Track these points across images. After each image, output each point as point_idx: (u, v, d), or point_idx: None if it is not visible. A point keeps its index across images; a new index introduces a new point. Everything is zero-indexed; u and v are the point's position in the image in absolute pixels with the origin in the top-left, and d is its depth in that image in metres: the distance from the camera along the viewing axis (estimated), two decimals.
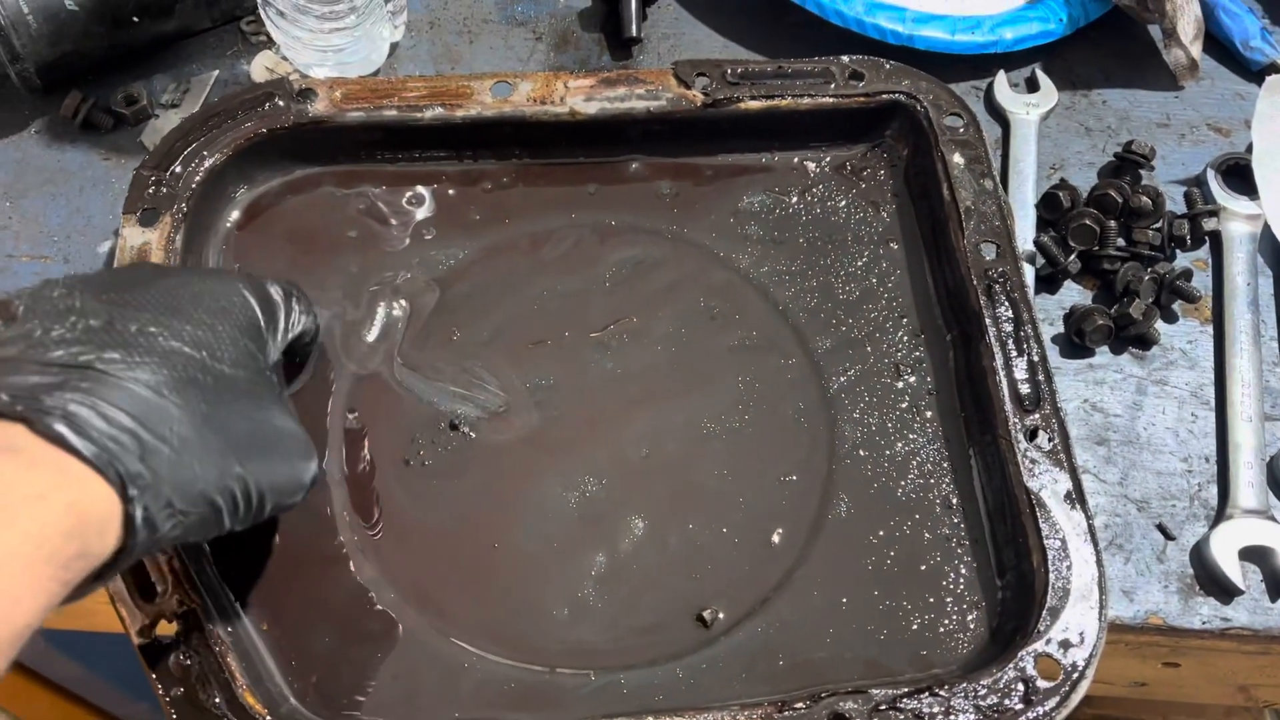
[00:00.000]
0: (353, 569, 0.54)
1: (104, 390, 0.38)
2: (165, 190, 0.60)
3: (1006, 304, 0.58)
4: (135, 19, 0.66)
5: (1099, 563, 0.51)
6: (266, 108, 0.63)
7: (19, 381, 0.38)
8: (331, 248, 0.63)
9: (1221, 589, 0.55)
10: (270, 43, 0.69)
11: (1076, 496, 0.53)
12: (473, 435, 0.57)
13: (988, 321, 0.57)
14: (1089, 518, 0.52)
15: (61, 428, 0.36)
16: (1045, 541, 0.52)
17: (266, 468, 0.44)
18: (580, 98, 0.64)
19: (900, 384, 0.60)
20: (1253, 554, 0.55)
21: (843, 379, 0.60)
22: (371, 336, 0.60)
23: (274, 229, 0.63)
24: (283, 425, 0.46)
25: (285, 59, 0.69)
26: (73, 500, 0.36)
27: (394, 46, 0.71)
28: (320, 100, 0.63)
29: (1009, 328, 0.57)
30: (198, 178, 0.60)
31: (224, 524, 0.43)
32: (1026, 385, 0.56)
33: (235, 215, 0.63)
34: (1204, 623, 0.54)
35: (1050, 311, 0.63)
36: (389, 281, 0.62)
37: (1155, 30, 0.72)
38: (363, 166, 0.65)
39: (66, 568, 0.36)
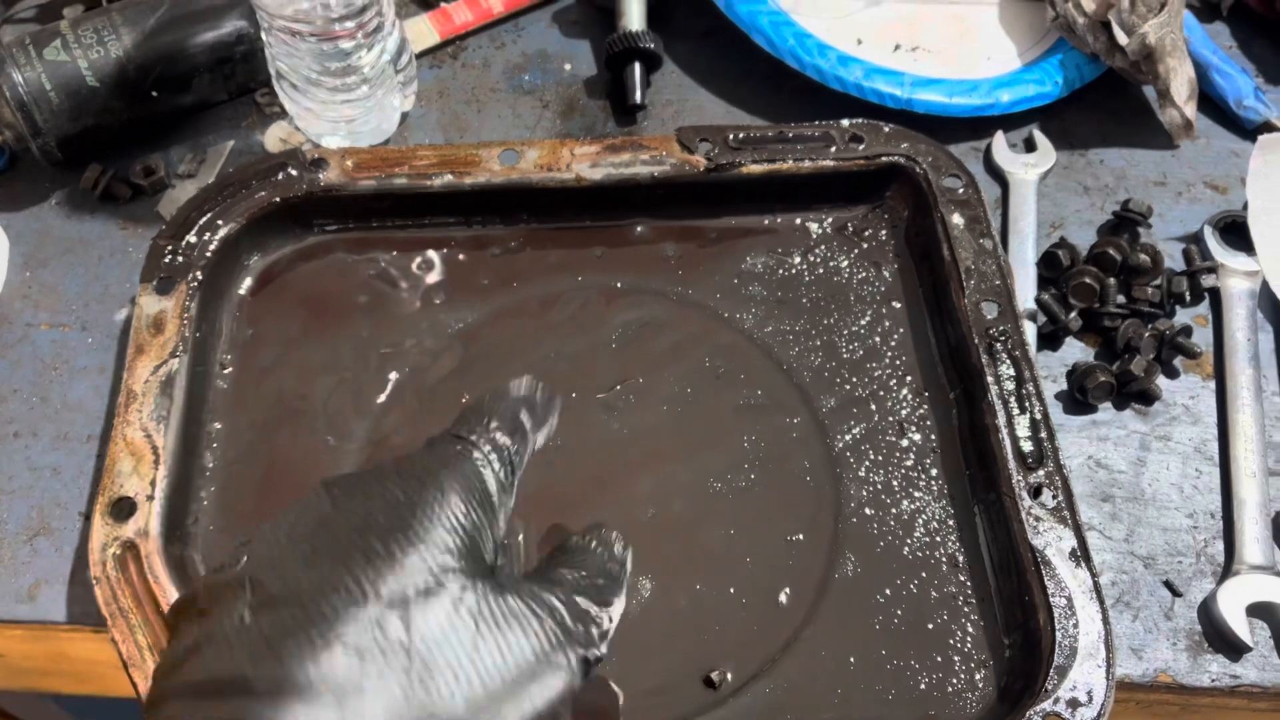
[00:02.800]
0: None
1: (266, 707, 0.31)
2: (180, 259, 0.61)
3: (1008, 362, 0.59)
4: (154, 93, 0.68)
5: (1105, 620, 0.51)
6: (279, 177, 0.64)
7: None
8: (343, 313, 0.64)
9: (1230, 646, 0.55)
10: (284, 114, 0.71)
11: (1081, 554, 0.53)
12: None
13: (989, 379, 0.58)
14: (1094, 575, 0.52)
15: None
16: (1051, 599, 0.52)
17: (512, 710, 0.35)
18: (586, 164, 0.66)
19: (905, 442, 0.60)
20: (1260, 610, 0.55)
21: (847, 437, 0.61)
22: (380, 400, 0.61)
23: (287, 295, 0.65)
24: (520, 635, 0.36)
25: (298, 129, 0.71)
26: None
27: (404, 116, 0.73)
28: (332, 169, 0.65)
29: (1011, 385, 0.58)
30: (212, 247, 0.62)
31: None
32: (1029, 443, 0.56)
33: (249, 282, 0.64)
34: (1213, 680, 0.54)
35: (1053, 369, 0.64)
36: (399, 345, 0.63)
37: (1150, 91, 0.74)
38: (374, 233, 0.67)
39: None
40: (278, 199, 0.64)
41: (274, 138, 0.71)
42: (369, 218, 0.66)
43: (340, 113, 0.68)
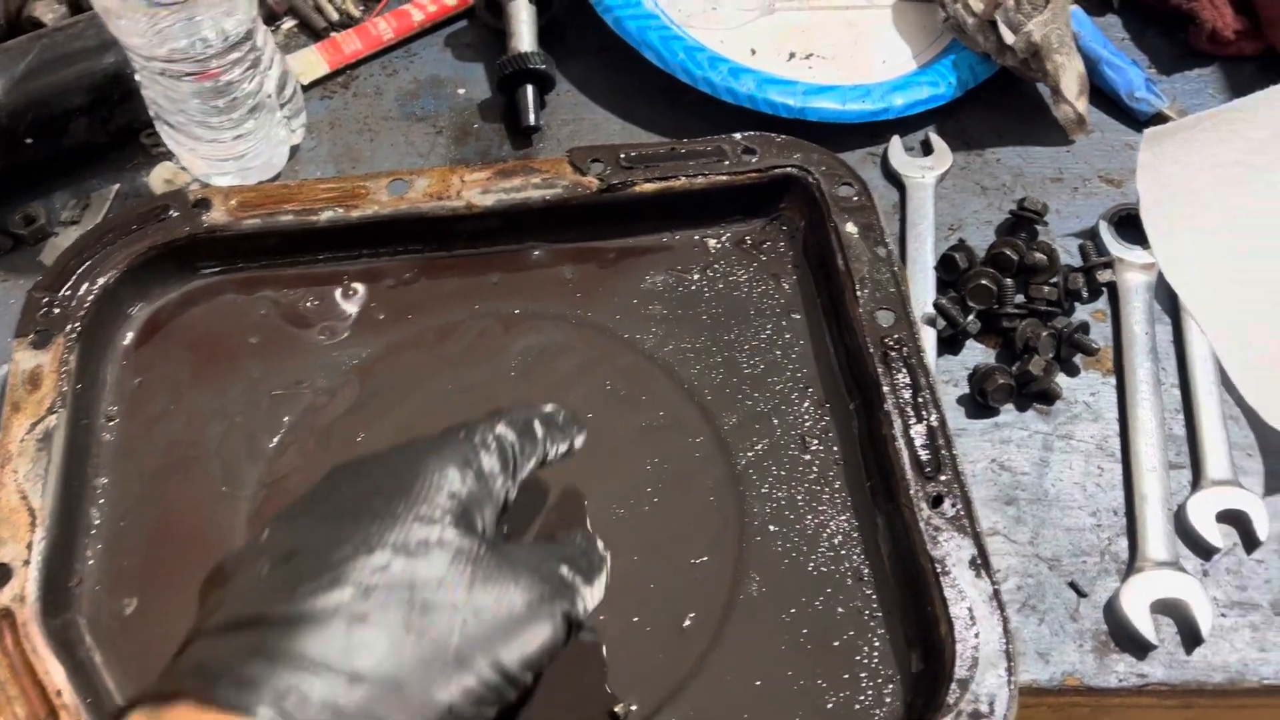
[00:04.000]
0: None
1: (280, 647, 0.36)
2: (58, 311, 0.59)
3: (904, 370, 0.58)
4: (28, 140, 0.66)
5: (1006, 629, 0.51)
6: (161, 221, 0.63)
7: (197, 656, 0.37)
8: (234, 355, 0.63)
9: (1136, 645, 0.55)
10: (170, 154, 0.69)
11: (981, 562, 0.53)
12: None
13: (885, 389, 0.58)
14: (994, 583, 0.52)
15: (231, 698, 0.34)
16: (951, 610, 0.51)
17: (497, 645, 0.40)
18: (476, 190, 0.65)
19: (808, 455, 0.60)
20: (1165, 606, 0.55)
21: (750, 454, 0.60)
22: (273, 443, 0.60)
23: (174, 341, 0.63)
24: (513, 586, 0.41)
25: (184, 169, 0.69)
26: None
27: (295, 149, 0.72)
28: (216, 209, 0.64)
29: (907, 394, 0.58)
30: (91, 297, 0.60)
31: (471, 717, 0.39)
32: (926, 451, 0.56)
33: (133, 332, 0.63)
34: (1120, 680, 0.54)
35: (954, 372, 0.64)
36: (293, 385, 0.62)
37: (1044, 87, 0.74)
38: (263, 272, 0.65)
39: None
40: (159, 244, 0.62)
41: (159, 179, 0.69)
42: (257, 257, 0.65)
43: (224, 150, 0.67)
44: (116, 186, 0.70)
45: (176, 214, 0.63)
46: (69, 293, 0.60)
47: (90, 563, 0.56)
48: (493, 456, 0.45)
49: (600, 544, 0.48)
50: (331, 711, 0.35)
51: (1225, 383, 0.62)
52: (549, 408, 0.50)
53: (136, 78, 0.64)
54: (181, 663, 0.37)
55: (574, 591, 0.44)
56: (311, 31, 0.78)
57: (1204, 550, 0.58)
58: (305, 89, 0.74)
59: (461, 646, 0.39)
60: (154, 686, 0.37)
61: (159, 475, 0.59)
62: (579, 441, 0.52)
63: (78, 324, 0.59)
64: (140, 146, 0.71)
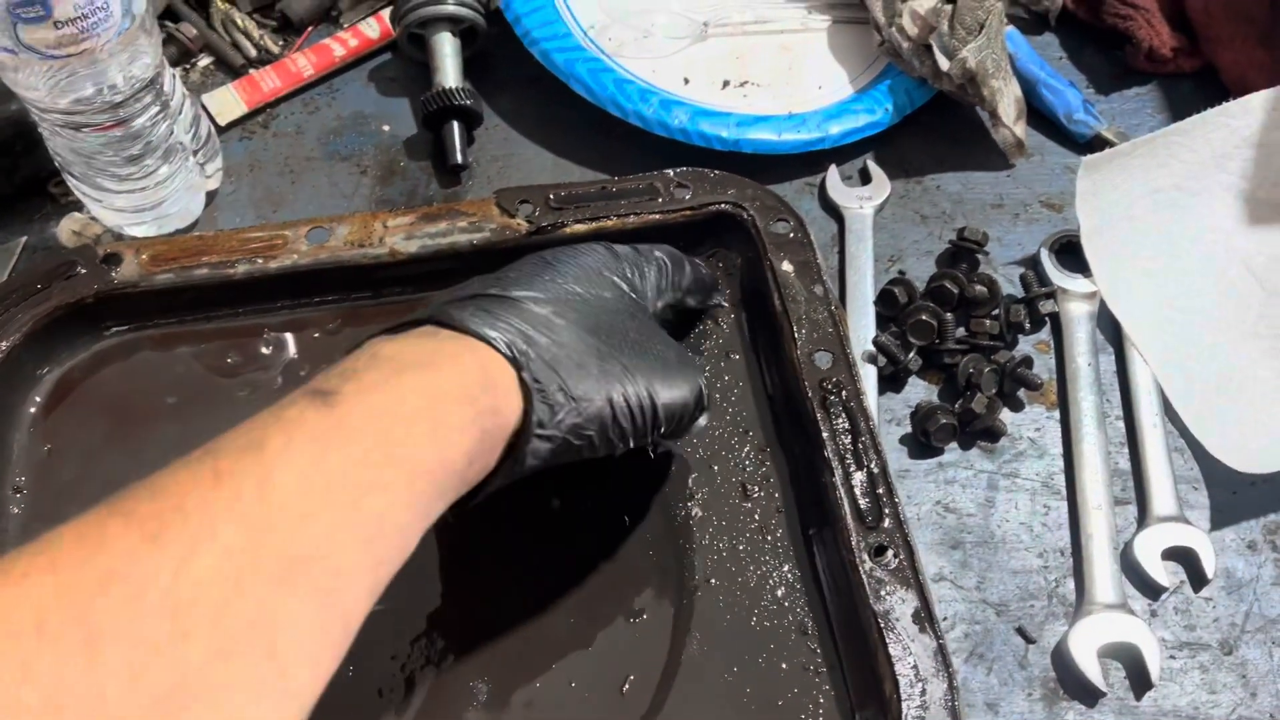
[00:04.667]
0: None
1: (497, 308, 0.47)
2: None
3: (843, 415, 0.57)
4: None
5: (952, 685, 0.49)
6: (68, 278, 0.60)
7: (431, 309, 0.47)
8: (151, 417, 0.60)
9: (1085, 691, 0.53)
10: (79, 204, 0.66)
11: (926, 616, 0.51)
12: None
13: (824, 434, 0.56)
14: (939, 638, 0.50)
15: (465, 321, 0.45)
16: (896, 668, 0.50)
17: (650, 376, 0.49)
18: (400, 236, 0.63)
19: (749, 504, 0.58)
20: (1114, 650, 0.54)
21: (690, 504, 0.58)
22: None
23: (86, 405, 0.60)
24: (665, 346, 0.52)
25: (94, 220, 0.66)
26: (482, 362, 0.44)
27: (212, 195, 0.69)
28: (127, 264, 0.61)
29: (846, 440, 0.56)
30: None
31: (622, 427, 0.48)
32: (867, 499, 0.54)
33: (41, 396, 0.60)
34: None
35: (896, 411, 0.62)
36: None
37: (983, 111, 0.72)
38: (179, 328, 0.63)
39: (484, 416, 0.43)
40: (67, 303, 0.60)
41: (68, 231, 0.66)
42: (172, 313, 0.62)
43: (136, 200, 0.64)
44: (24, 239, 0.67)
45: (84, 270, 0.60)
46: None
47: None
48: (653, 269, 0.56)
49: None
50: (545, 359, 0.45)
51: (1169, 413, 0.61)
52: (703, 267, 0.61)
53: (40, 129, 0.61)
54: (416, 314, 0.46)
55: (702, 377, 0.55)
56: (229, 69, 0.75)
57: (1151, 590, 0.57)
58: (222, 130, 0.72)
59: (629, 365, 0.49)
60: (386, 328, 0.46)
61: None
62: (719, 298, 0.63)
63: None
64: (49, 196, 0.68)
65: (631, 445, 0.50)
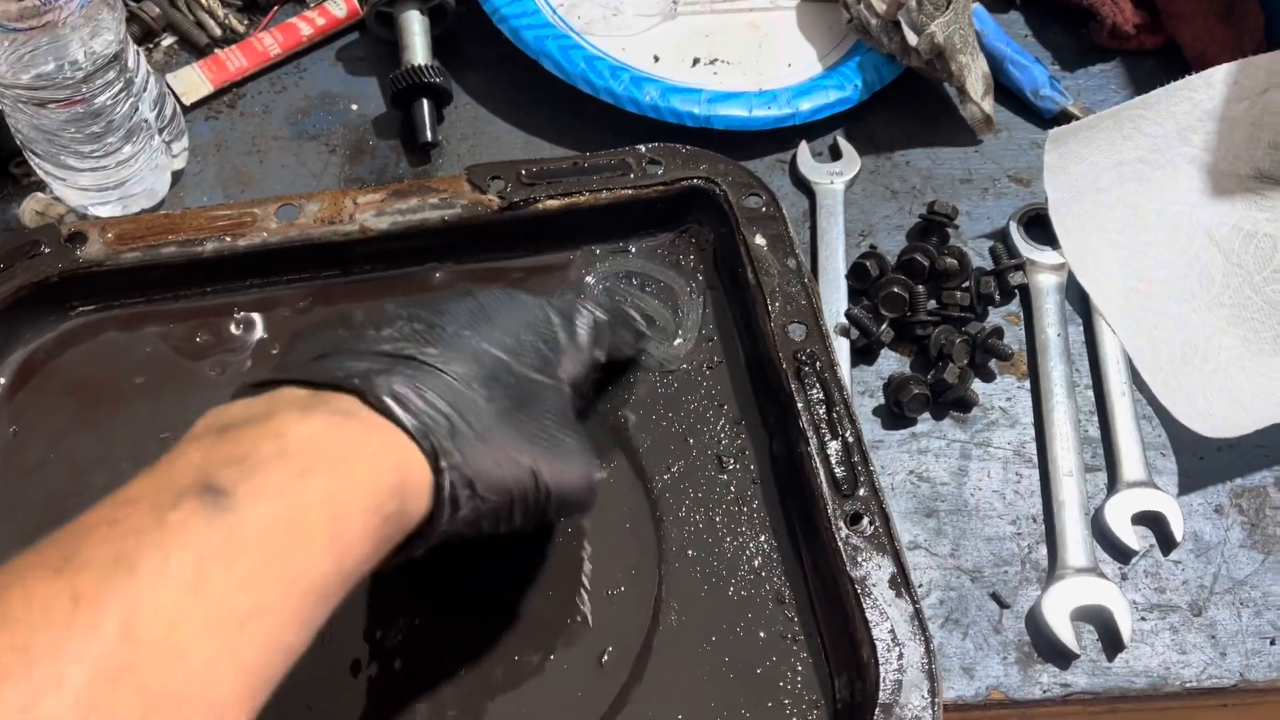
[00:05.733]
0: None
1: (423, 377, 0.43)
2: None
3: (818, 385, 0.57)
4: None
5: (929, 649, 0.50)
6: (32, 258, 0.59)
7: (354, 365, 0.43)
8: (118, 398, 0.59)
9: (1058, 654, 0.54)
10: (43, 184, 0.65)
11: (902, 581, 0.52)
12: None
13: (799, 405, 0.56)
14: (915, 602, 0.51)
15: (389, 400, 0.41)
16: (874, 632, 0.50)
17: (554, 466, 0.47)
18: (370, 213, 0.62)
19: (725, 476, 0.58)
20: (1086, 614, 0.55)
21: (666, 477, 0.58)
22: None
23: (52, 386, 0.59)
24: (574, 432, 0.49)
25: (58, 200, 0.65)
26: (398, 462, 0.40)
27: (178, 175, 0.68)
28: (92, 243, 0.60)
29: (821, 410, 0.56)
30: None
31: (514, 518, 0.46)
32: (842, 468, 0.55)
33: (5, 378, 0.59)
34: (1045, 691, 0.53)
35: (870, 383, 0.63)
36: (183, 427, 0.58)
37: (951, 88, 0.73)
38: (147, 307, 0.62)
39: (388, 523, 0.39)
40: (31, 282, 0.59)
41: (30, 211, 0.65)
42: (139, 292, 0.61)
43: (100, 179, 0.63)
44: None
45: (48, 250, 0.59)
46: None
47: None
48: (589, 318, 0.53)
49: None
50: (466, 455, 0.42)
51: (1137, 382, 0.62)
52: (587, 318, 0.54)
53: (0, 106, 0.60)
54: (322, 367, 0.43)
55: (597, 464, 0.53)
56: (193, 48, 0.74)
57: (1122, 554, 0.57)
58: (188, 110, 0.71)
59: (540, 454, 0.46)
60: (306, 370, 0.42)
61: (39, 531, 0.55)
62: (681, 345, 0.61)
63: None
64: (9, 176, 0.67)
65: (515, 528, 0.47)
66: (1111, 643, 0.55)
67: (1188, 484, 0.60)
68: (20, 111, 0.60)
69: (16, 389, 0.59)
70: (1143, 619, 0.55)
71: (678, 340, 0.61)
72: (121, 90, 0.61)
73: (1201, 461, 0.61)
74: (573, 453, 0.49)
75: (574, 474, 0.48)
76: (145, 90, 0.63)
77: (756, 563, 0.56)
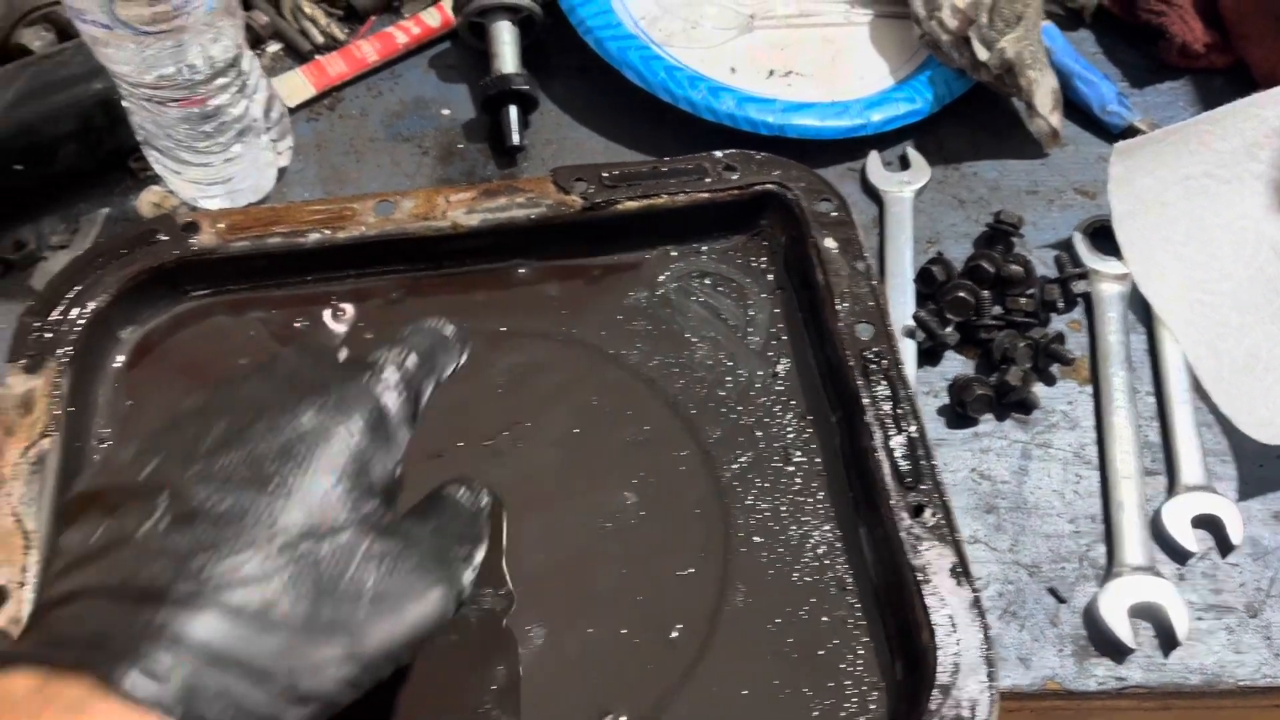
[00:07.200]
0: None
1: (187, 623, 0.34)
2: (49, 335, 0.60)
3: (884, 382, 0.59)
4: (17, 167, 0.67)
5: (986, 635, 0.52)
6: (150, 244, 0.64)
7: (101, 622, 0.34)
8: (224, 376, 0.63)
9: (1114, 649, 0.56)
10: (158, 178, 0.70)
11: (962, 570, 0.54)
12: None
13: (865, 401, 0.59)
14: (975, 590, 0.53)
15: (137, 682, 0.33)
16: (933, 617, 0.52)
17: (381, 630, 0.39)
18: (461, 211, 0.66)
19: (791, 468, 0.61)
20: (1142, 611, 0.56)
21: (735, 467, 0.61)
22: None
23: (165, 364, 0.64)
24: (396, 572, 0.40)
25: (172, 193, 0.70)
26: None
27: (282, 172, 0.73)
28: (204, 232, 0.64)
29: (887, 406, 0.59)
30: (82, 321, 0.61)
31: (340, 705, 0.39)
32: (906, 462, 0.57)
33: (124, 355, 0.63)
34: (1100, 684, 0.55)
35: (934, 383, 0.65)
36: None
37: (1019, 102, 0.75)
38: (252, 294, 0.66)
39: None
40: (149, 267, 0.63)
41: (147, 203, 0.70)
42: (245, 279, 0.66)
43: (212, 174, 0.68)
44: (105, 211, 0.71)
45: (165, 238, 0.64)
46: (60, 317, 0.61)
47: None
48: (397, 405, 0.45)
49: (485, 496, 0.48)
50: (235, 711, 0.34)
51: (1199, 390, 0.64)
52: (443, 326, 0.50)
53: (124, 104, 0.65)
54: (67, 619, 0.35)
55: (463, 569, 0.44)
56: (297, 54, 0.79)
57: (1179, 555, 0.59)
58: (291, 111, 0.75)
59: (361, 622, 0.38)
60: (43, 640, 0.35)
61: None
62: (464, 358, 0.52)
63: (69, 348, 0.60)
64: (128, 171, 0.72)
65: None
66: (1167, 640, 0.56)
67: (1247, 490, 0.61)
68: (143, 110, 0.64)
69: (133, 365, 0.63)
70: (1199, 618, 0.57)
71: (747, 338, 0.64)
72: (236, 93, 0.65)
73: (1262, 469, 0.62)
74: (402, 597, 0.40)
75: (410, 621, 0.40)
76: (257, 92, 0.67)
77: (820, 550, 0.58)
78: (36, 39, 0.72)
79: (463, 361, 0.51)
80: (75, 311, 0.61)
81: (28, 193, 0.69)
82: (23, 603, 0.52)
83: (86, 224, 0.70)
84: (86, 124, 0.68)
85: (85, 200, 0.71)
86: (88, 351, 0.61)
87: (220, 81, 0.64)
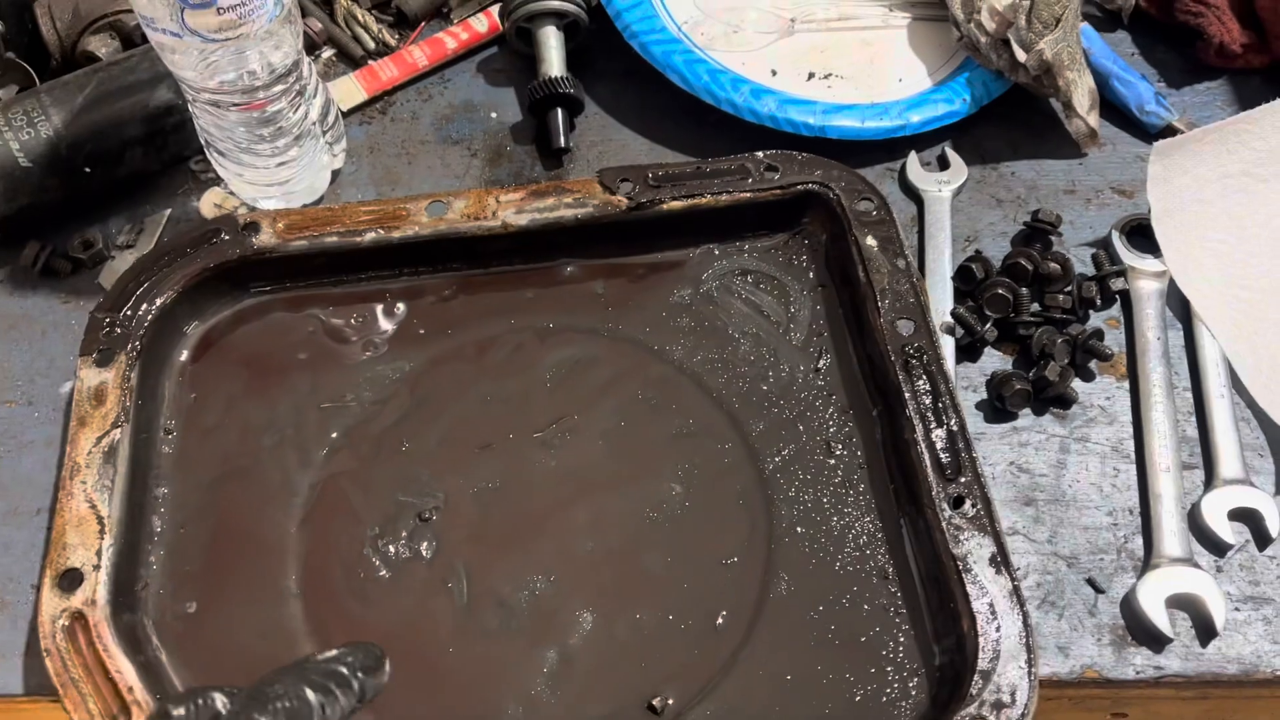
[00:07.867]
0: None
1: None
2: (119, 331, 0.63)
3: (924, 377, 0.61)
4: (87, 169, 0.69)
5: (1026, 622, 0.53)
6: (213, 244, 0.66)
7: None
8: (283, 371, 0.66)
9: (1152, 638, 0.57)
10: (218, 180, 0.73)
11: (1001, 560, 0.55)
12: (424, 545, 0.60)
13: (907, 395, 0.60)
14: (1014, 580, 0.54)
15: None
16: (974, 605, 0.54)
17: None
18: (511, 211, 0.68)
19: (832, 460, 0.62)
20: (1180, 601, 0.57)
21: (777, 459, 0.62)
22: (323, 453, 0.63)
23: (227, 358, 0.66)
24: None
25: (232, 194, 0.73)
26: None
27: (336, 173, 0.75)
28: (264, 232, 0.67)
29: (928, 400, 0.60)
30: (150, 317, 0.63)
31: None
32: (947, 454, 0.58)
33: (189, 348, 0.66)
34: (1138, 673, 0.56)
35: (973, 379, 0.66)
36: (340, 398, 0.65)
37: (1056, 103, 0.76)
38: (309, 291, 0.69)
39: None
40: (212, 265, 0.66)
41: (209, 204, 0.72)
42: (304, 277, 0.68)
43: (271, 175, 0.70)
44: (169, 211, 0.73)
45: (227, 237, 0.66)
46: (129, 313, 0.63)
47: (154, 567, 0.59)
48: None
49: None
50: None
51: (1236, 386, 0.64)
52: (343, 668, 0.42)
53: (189, 108, 0.68)
54: None
55: None
56: (350, 60, 0.81)
57: (1217, 547, 0.60)
58: (345, 115, 0.78)
59: None
60: None
61: (215, 485, 0.62)
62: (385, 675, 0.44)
63: (138, 342, 0.63)
64: (190, 173, 0.75)
65: None
66: (1205, 630, 0.57)
67: None
68: (206, 113, 0.67)
69: (197, 359, 0.66)
70: (1236, 609, 0.58)
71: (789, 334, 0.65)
72: (295, 97, 0.68)
73: None
74: None
75: None
76: (314, 97, 0.70)
77: (862, 540, 0.60)
78: (103, 46, 0.75)
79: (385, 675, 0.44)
80: (144, 307, 0.64)
81: (95, 195, 0.72)
82: (98, 584, 0.55)
83: (151, 224, 0.72)
84: (152, 128, 0.71)
85: (149, 202, 0.74)
86: (155, 346, 0.64)
87: (279, 87, 0.66)
